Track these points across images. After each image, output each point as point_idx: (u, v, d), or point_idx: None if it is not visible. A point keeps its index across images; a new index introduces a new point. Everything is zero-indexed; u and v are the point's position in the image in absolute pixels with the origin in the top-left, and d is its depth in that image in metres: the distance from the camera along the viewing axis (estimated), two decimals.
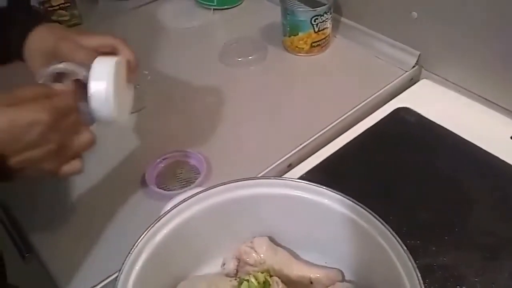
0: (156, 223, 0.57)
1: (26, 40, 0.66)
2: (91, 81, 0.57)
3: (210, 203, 0.61)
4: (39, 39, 0.66)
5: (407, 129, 0.86)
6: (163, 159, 0.82)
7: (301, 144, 0.84)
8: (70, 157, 0.56)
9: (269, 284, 0.56)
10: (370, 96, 0.92)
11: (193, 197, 0.60)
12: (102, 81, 0.57)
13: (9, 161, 0.50)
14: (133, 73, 0.67)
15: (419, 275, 0.51)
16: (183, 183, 0.79)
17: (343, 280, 0.62)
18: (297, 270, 0.61)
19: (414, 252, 0.52)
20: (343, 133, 0.86)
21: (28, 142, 0.51)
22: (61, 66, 0.60)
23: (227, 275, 0.62)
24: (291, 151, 0.83)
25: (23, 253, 0.77)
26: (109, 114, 0.59)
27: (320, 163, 0.81)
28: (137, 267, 0.55)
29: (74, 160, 0.57)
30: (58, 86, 0.58)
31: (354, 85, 0.96)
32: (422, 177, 0.78)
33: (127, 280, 0.54)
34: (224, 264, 0.63)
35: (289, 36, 1.03)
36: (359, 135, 0.85)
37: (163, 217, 0.58)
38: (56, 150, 0.53)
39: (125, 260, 0.54)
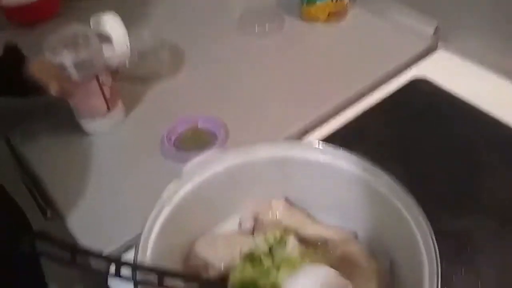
0: (177, 181, 0.59)
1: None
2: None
3: (229, 164, 0.62)
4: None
5: (423, 99, 0.87)
6: (182, 124, 0.83)
7: (316, 112, 0.85)
8: None
9: (285, 242, 0.57)
10: (387, 66, 0.92)
11: (213, 157, 0.61)
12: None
13: None
14: None
15: (433, 236, 0.52)
16: (200, 147, 0.80)
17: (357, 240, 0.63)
18: (312, 230, 0.63)
19: (427, 218, 0.53)
20: (358, 102, 0.87)
21: None
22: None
23: (244, 234, 0.64)
24: (307, 118, 0.84)
25: (44, 211, 0.79)
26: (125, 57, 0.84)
27: (336, 131, 0.83)
28: (159, 223, 0.56)
29: None
30: None
31: (370, 55, 0.96)
32: (437, 146, 0.78)
33: (149, 236, 0.55)
34: (241, 224, 0.65)
35: (307, 5, 1.03)
36: (375, 105, 0.86)
37: (184, 175, 0.59)
38: None
39: (148, 216, 0.56)
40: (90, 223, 0.73)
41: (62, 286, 0.95)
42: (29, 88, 0.78)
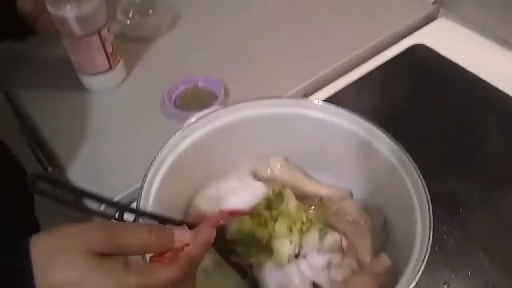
0: (178, 135, 0.60)
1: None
2: None
3: (229, 120, 0.62)
4: None
5: (422, 65, 0.87)
6: (182, 83, 0.84)
7: (315, 75, 0.85)
8: None
9: (283, 196, 0.59)
10: (387, 32, 0.92)
11: (215, 112, 0.62)
12: None
13: None
14: None
15: (428, 195, 0.53)
16: (200, 106, 0.80)
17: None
18: (309, 188, 0.64)
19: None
20: (358, 67, 0.88)
21: None
22: None
23: None
24: (306, 81, 0.85)
25: (45, 166, 0.80)
26: None
27: (334, 94, 0.83)
28: (160, 174, 0.57)
29: None
30: None
31: (371, 20, 0.95)
32: (435, 110, 0.80)
33: (151, 186, 0.56)
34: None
35: None
36: (374, 69, 0.87)
37: (185, 129, 0.60)
38: None
39: (149, 167, 0.56)
40: (91, 178, 0.73)
41: None
42: (23, 29, 0.78)
